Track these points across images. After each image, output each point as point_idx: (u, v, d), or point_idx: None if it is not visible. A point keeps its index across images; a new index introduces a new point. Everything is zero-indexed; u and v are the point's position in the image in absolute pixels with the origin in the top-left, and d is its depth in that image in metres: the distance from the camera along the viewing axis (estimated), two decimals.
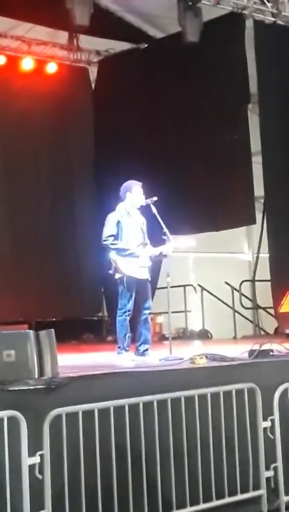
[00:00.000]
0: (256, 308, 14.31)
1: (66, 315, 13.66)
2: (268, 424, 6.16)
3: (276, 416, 6.16)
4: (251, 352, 7.14)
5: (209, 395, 5.92)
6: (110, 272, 7.98)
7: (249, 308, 14.31)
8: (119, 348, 7.87)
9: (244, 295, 14.05)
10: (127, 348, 7.88)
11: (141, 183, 8.08)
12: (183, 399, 5.78)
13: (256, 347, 7.15)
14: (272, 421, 6.16)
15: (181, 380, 6.26)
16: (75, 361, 8.04)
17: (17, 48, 13.57)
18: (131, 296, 7.82)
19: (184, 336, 13.71)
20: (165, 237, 7.78)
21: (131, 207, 8.05)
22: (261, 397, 6.14)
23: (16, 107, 13.24)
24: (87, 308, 14.30)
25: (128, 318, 7.85)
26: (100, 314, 14.51)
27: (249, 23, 12.09)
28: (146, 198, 8.01)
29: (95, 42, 14.00)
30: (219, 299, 14.26)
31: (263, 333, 13.80)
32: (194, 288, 14.47)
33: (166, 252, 7.85)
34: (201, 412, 5.87)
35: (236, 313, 13.94)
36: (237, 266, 16.26)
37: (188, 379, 6.31)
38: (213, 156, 12.50)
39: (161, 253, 7.88)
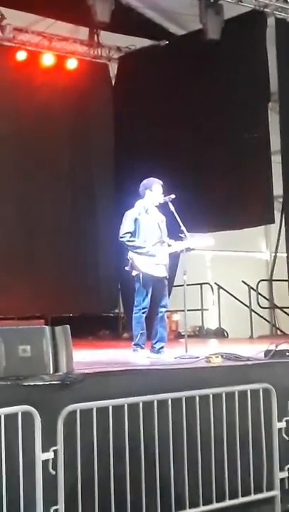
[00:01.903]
0: (273, 307, 14.24)
1: (83, 311, 13.67)
2: (282, 425, 6.15)
3: None
4: (267, 352, 7.11)
5: (224, 394, 5.90)
6: (127, 268, 7.97)
7: (266, 308, 14.24)
8: (135, 345, 7.85)
9: (261, 294, 13.98)
10: (143, 346, 7.86)
11: (161, 182, 8.05)
12: (197, 398, 5.76)
13: (272, 347, 7.11)
14: (288, 422, 6.13)
15: (196, 378, 6.25)
16: (90, 357, 8.05)
17: (38, 43, 13.57)
18: (147, 293, 7.80)
19: (200, 334, 13.67)
20: (182, 235, 7.75)
21: (150, 204, 8.02)
22: (276, 398, 6.10)
23: (36, 102, 13.25)
24: (103, 304, 14.31)
25: (144, 315, 7.83)
26: (117, 311, 14.51)
27: (271, 21, 12.01)
28: (164, 196, 7.97)
29: (116, 38, 13.99)
30: (236, 298, 14.21)
31: (279, 333, 13.74)
32: (211, 286, 14.43)
33: (191, 246, 7.80)
34: (216, 412, 5.85)
35: (253, 313, 13.87)
36: (254, 265, 16.20)
37: (204, 378, 6.29)
38: (232, 155, 12.43)
39: (187, 248, 7.82)
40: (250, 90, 12.11)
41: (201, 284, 13.92)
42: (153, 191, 8.00)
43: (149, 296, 7.81)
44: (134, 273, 7.89)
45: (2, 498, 4.75)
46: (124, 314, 13.86)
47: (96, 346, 10.95)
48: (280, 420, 6.13)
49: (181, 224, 7.78)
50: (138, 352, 7.78)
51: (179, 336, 12.24)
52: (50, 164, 13.71)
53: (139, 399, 5.45)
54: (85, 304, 13.68)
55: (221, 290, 14.41)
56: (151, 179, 8.10)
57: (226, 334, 13.87)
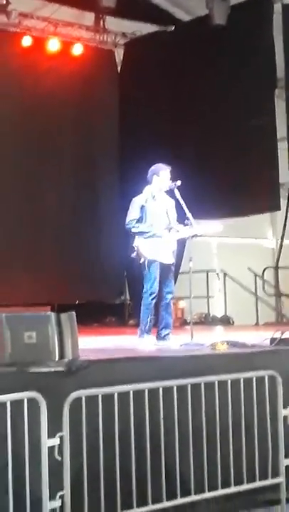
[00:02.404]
0: (279, 295, 14.23)
1: (89, 298, 13.69)
2: (288, 412, 6.13)
3: None
4: (272, 339, 7.09)
5: (229, 381, 5.89)
6: (133, 255, 7.96)
7: (272, 295, 14.23)
8: (141, 331, 7.85)
9: (267, 281, 13.97)
10: (149, 332, 7.86)
11: (169, 168, 8.02)
12: (203, 385, 5.75)
13: (278, 334, 7.10)
14: None
15: (201, 365, 6.24)
16: (96, 344, 8.06)
17: (43, 28, 13.54)
18: (155, 278, 7.80)
19: (205, 321, 13.68)
20: (188, 222, 7.73)
21: (157, 190, 8.00)
22: (282, 385, 6.09)
23: (41, 88, 13.23)
24: (109, 291, 14.33)
25: (153, 301, 7.84)
26: (123, 298, 14.53)
27: (277, 8, 11.94)
28: (171, 182, 7.95)
29: (122, 24, 13.96)
30: (242, 285, 14.20)
31: (285, 320, 13.73)
32: (217, 274, 14.42)
33: (198, 232, 7.78)
34: (221, 399, 5.84)
35: (259, 300, 13.87)
36: (260, 252, 16.16)
37: (209, 365, 6.28)
38: (238, 141, 12.40)
39: (195, 234, 7.80)
40: (257, 77, 12.08)
41: (207, 271, 13.91)
42: (160, 177, 7.99)
43: (157, 281, 7.82)
44: (141, 260, 7.89)
45: (8, 483, 4.76)
46: (131, 301, 13.88)
47: (102, 333, 10.98)
48: (285, 407, 6.10)
49: (186, 210, 7.76)
50: (144, 338, 7.80)
51: (184, 322, 12.26)
52: (54, 151, 13.69)
53: (144, 386, 5.45)
54: (91, 291, 13.71)
55: (227, 277, 14.41)
56: (159, 165, 8.09)
57: (231, 321, 13.88)
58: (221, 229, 8.15)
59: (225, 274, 14.38)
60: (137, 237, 7.87)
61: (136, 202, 7.93)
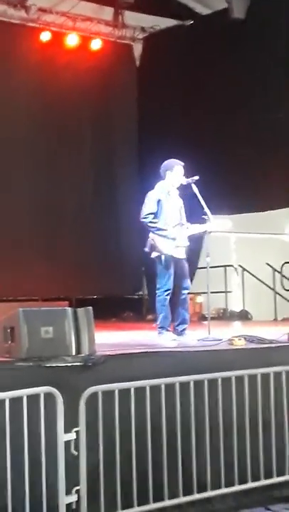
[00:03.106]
0: None
1: (107, 293, 13.70)
2: None
3: None
4: None
5: (246, 376, 5.88)
6: (146, 249, 7.93)
7: None
8: (160, 328, 7.82)
9: (285, 277, 13.89)
10: (168, 328, 7.83)
11: (183, 164, 7.98)
12: (220, 380, 5.74)
13: None
14: None
15: (218, 361, 6.22)
16: (113, 339, 8.07)
17: (62, 24, 13.54)
18: (170, 275, 7.76)
19: (223, 316, 13.64)
20: (205, 217, 7.70)
21: (170, 186, 7.96)
22: None
23: (60, 83, 13.25)
24: (127, 286, 14.33)
25: (168, 297, 7.79)
26: (141, 293, 14.52)
27: None
28: (187, 177, 7.91)
29: (140, 18, 13.93)
30: (260, 280, 14.14)
31: None
32: (235, 269, 14.37)
33: (208, 229, 7.76)
34: (238, 394, 5.83)
35: (277, 295, 13.80)
36: (279, 247, 16.06)
37: (226, 360, 6.27)
38: (256, 136, 12.33)
39: (206, 231, 7.78)
40: (276, 70, 11.98)
41: (225, 267, 13.87)
42: (174, 172, 7.93)
43: (172, 277, 7.77)
44: (153, 255, 7.84)
45: (25, 478, 4.78)
46: (148, 296, 13.86)
47: (120, 328, 10.97)
48: None
49: (204, 206, 7.72)
50: (163, 334, 7.76)
51: (202, 318, 12.21)
52: (73, 145, 13.70)
53: (161, 381, 5.45)
54: (109, 285, 13.71)
55: (245, 272, 14.35)
56: (172, 160, 8.03)
57: (250, 316, 13.81)
58: (229, 225, 8.12)
59: (243, 269, 14.31)
60: (152, 232, 7.83)
61: (152, 196, 7.88)
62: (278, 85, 12.05)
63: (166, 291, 7.77)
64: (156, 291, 7.87)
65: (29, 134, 13.00)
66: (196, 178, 7.84)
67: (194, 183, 7.85)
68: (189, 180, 7.86)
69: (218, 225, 8.37)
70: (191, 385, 5.59)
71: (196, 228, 7.80)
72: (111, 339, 7.90)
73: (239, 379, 5.86)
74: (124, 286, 14.20)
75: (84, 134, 14.00)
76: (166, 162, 8.05)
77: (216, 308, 13.52)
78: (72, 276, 13.03)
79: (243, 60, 12.41)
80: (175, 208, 7.91)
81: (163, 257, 7.75)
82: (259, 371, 5.97)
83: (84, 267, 13.32)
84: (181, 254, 7.84)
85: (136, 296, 14.56)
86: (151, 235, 7.85)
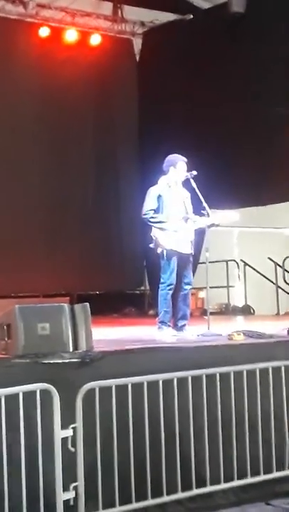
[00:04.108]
0: None
1: (108, 288, 13.70)
2: None
3: None
4: None
5: (245, 372, 5.85)
6: (151, 246, 7.92)
7: None
8: (160, 323, 7.82)
9: (287, 271, 13.86)
10: (169, 323, 7.82)
11: (186, 159, 7.95)
12: (218, 375, 5.72)
13: None
14: None
15: (217, 356, 6.19)
16: (113, 335, 8.06)
17: (61, 19, 13.50)
18: (173, 270, 7.74)
19: (226, 311, 13.63)
20: (204, 212, 7.67)
21: (173, 181, 7.94)
22: None
23: (60, 78, 13.19)
24: (129, 281, 14.31)
25: (170, 292, 7.78)
26: (142, 288, 14.51)
27: None
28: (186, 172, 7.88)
29: (140, 13, 13.88)
30: (262, 275, 14.11)
31: None
32: (237, 263, 14.35)
33: (215, 222, 7.72)
34: (237, 389, 5.81)
35: (280, 290, 13.78)
36: (281, 241, 16.05)
37: (225, 355, 6.23)
38: (259, 130, 12.28)
39: (212, 224, 7.74)
40: (278, 64, 11.91)
41: (226, 261, 13.86)
42: (177, 168, 7.91)
43: (175, 272, 7.75)
44: (158, 250, 7.85)
45: (22, 475, 4.77)
46: (150, 291, 13.85)
47: (121, 323, 10.97)
48: None
49: (202, 200, 7.70)
50: (163, 330, 7.75)
51: (204, 313, 12.17)
52: (74, 140, 13.68)
53: (158, 376, 5.42)
54: (111, 281, 13.70)
55: (247, 267, 14.33)
56: (176, 156, 8.01)
57: (252, 311, 13.80)
58: (237, 218, 8.10)
59: (245, 264, 14.29)
60: (153, 227, 7.81)
61: (152, 192, 7.87)
62: (281, 79, 11.99)
63: (168, 285, 7.76)
64: (159, 286, 7.86)
65: (29, 130, 12.97)
66: (195, 173, 7.81)
67: (193, 178, 7.83)
68: (188, 175, 7.84)
69: (226, 217, 8.33)
70: (189, 380, 5.57)
71: (204, 221, 7.76)
72: (110, 335, 7.89)
73: (238, 374, 5.83)
74: (126, 281, 14.19)
75: (84, 129, 13.97)
76: (169, 157, 8.02)
77: (219, 303, 13.51)
78: (73, 272, 13.01)
79: (243, 54, 12.36)
80: (178, 202, 7.89)
81: (165, 252, 7.73)
82: (258, 366, 5.94)
83: (85, 263, 13.31)
84: (185, 248, 7.81)
85: (137, 292, 14.55)
86: (153, 230, 7.84)
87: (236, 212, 9.44)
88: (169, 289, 7.76)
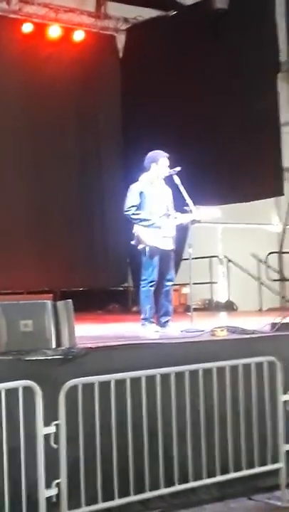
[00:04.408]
0: (283, 280, 14.18)
1: (92, 285, 13.69)
2: (287, 397, 6.11)
3: None
4: (273, 325, 7.06)
5: (228, 367, 5.87)
6: (133, 242, 7.92)
7: (276, 280, 14.18)
8: (143, 319, 7.81)
9: (270, 267, 13.92)
10: (152, 320, 7.82)
11: (167, 155, 7.94)
12: (201, 371, 5.73)
13: (278, 320, 7.06)
14: None
15: (200, 352, 6.22)
16: (97, 331, 8.05)
17: (44, 15, 13.46)
18: (154, 266, 7.74)
19: (209, 307, 13.66)
20: (187, 208, 7.68)
21: (155, 178, 7.93)
22: (281, 371, 6.06)
23: (43, 75, 13.18)
24: (113, 278, 14.32)
25: (152, 289, 7.77)
26: (126, 285, 14.51)
27: None
28: (170, 169, 7.88)
29: (123, 9, 13.87)
30: (245, 271, 14.16)
31: None
32: (220, 259, 14.38)
33: (197, 218, 7.72)
34: (220, 385, 5.83)
35: (263, 285, 13.83)
36: (266, 237, 16.10)
37: (208, 351, 6.26)
38: (241, 126, 12.31)
39: (193, 220, 7.75)
40: (260, 60, 11.96)
41: (210, 257, 13.88)
42: (159, 164, 7.89)
43: (157, 269, 7.75)
44: (140, 247, 7.84)
45: (3, 472, 4.77)
46: (134, 288, 13.85)
47: (105, 320, 10.96)
48: (284, 393, 6.09)
49: (186, 196, 7.70)
50: (147, 326, 7.75)
51: (188, 309, 12.20)
52: (57, 137, 13.64)
53: (141, 373, 5.43)
54: (94, 278, 13.71)
55: (230, 263, 14.36)
56: (157, 152, 7.99)
57: (235, 307, 13.84)
58: (219, 215, 8.10)
59: (228, 260, 14.33)
60: (135, 224, 7.81)
61: (134, 188, 7.86)
62: (263, 75, 12.03)
63: (150, 282, 7.75)
64: (141, 283, 7.86)
65: (11, 127, 12.92)
66: (178, 169, 7.80)
67: (176, 174, 7.82)
68: (171, 171, 7.83)
69: (208, 213, 8.32)
70: (172, 376, 5.58)
71: (185, 217, 7.77)
72: (94, 331, 7.89)
73: (221, 370, 5.85)
74: (110, 278, 14.19)
75: (67, 125, 13.93)
76: (150, 154, 8.00)
77: (202, 299, 13.54)
78: (57, 269, 13.00)
79: (226, 51, 12.38)
80: (160, 199, 7.87)
81: (147, 248, 7.73)
82: (240, 362, 5.97)
83: (69, 260, 13.30)
84: (167, 245, 7.81)
85: (121, 288, 14.56)
86: (135, 227, 7.83)
87: (218, 209, 9.46)
88: (151, 286, 7.76)
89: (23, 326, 5.42)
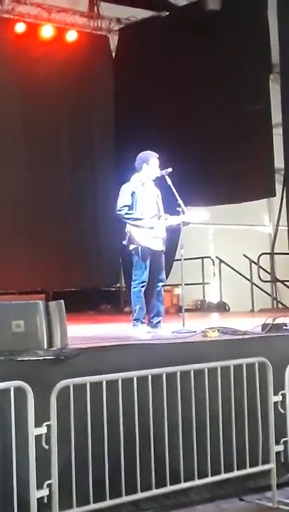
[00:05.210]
0: (274, 281, 14.21)
1: (84, 285, 13.69)
2: (278, 398, 6.11)
3: (287, 390, 6.11)
4: (264, 326, 7.07)
5: (219, 368, 5.88)
6: (124, 242, 7.91)
7: (268, 281, 14.21)
8: (134, 320, 7.81)
9: (262, 268, 13.94)
10: (143, 320, 7.81)
11: (158, 155, 7.95)
12: (192, 372, 5.74)
13: (269, 321, 7.07)
14: (283, 395, 6.10)
15: (192, 353, 6.22)
16: (88, 332, 8.05)
17: (37, 15, 13.46)
18: (146, 267, 7.74)
19: (201, 308, 13.67)
20: (179, 209, 7.68)
21: (146, 178, 7.93)
22: (272, 372, 6.08)
23: (36, 75, 13.18)
24: (105, 278, 14.32)
25: (143, 289, 7.77)
26: (118, 285, 14.53)
27: None
28: (161, 169, 7.89)
29: (116, 9, 13.91)
30: (237, 272, 14.18)
31: (281, 306, 13.71)
32: (212, 260, 14.40)
33: (186, 220, 7.73)
34: (211, 386, 5.83)
35: (255, 286, 13.85)
36: (257, 238, 16.15)
37: (200, 352, 6.26)
38: (233, 127, 12.34)
39: (183, 222, 7.75)
40: (252, 61, 11.99)
41: (202, 258, 13.90)
42: (150, 165, 7.90)
43: (148, 269, 7.76)
44: (131, 247, 7.83)
45: None
46: (126, 288, 13.87)
47: (97, 321, 10.96)
48: (275, 394, 6.09)
49: (178, 198, 7.70)
50: (138, 327, 7.75)
51: (180, 309, 12.22)
52: (50, 137, 13.65)
53: (133, 374, 5.43)
54: (87, 278, 13.71)
55: (223, 264, 14.38)
56: (148, 152, 8.00)
57: (227, 308, 13.86)
58: (207, 217, 8.10)
59: (220, 261, 14.35)
60: (128, 223, 7.81)
61: (126, 189, 7.86)
62: (255, 77, 12.06)
63: (141, 283, 7.75)
64: (132, 283, 7.85)
65: (4, 126, 12.90)
66: (170, 170, 7.81)
67: (168, 175, 7.83)
68: (163, 172, 7.84)
69: (197, 216, 8.34)
70: (164, 377, 5.59)
71: (175, 219, 7.77)
72: (86, 332, 7.88)
73: (212, 371, 5.85)
74: (102, 278, 14.19)
75: (61, 126, 13.94)
76: (141, 154, 8.00)
77: (194, 299, 13.55)
78: (49, 269, 12.99)
79: (219, 52, 12.40)
80: (151, 200, 7.88)
81: (140, 249, 7.73)
82: (232, 362, 5.98)
83: (61, 260, 13.29)
84: (158, 245, 7.82)
85: (113, 289, 14.57)
86: (127, 227, 7.83)
87: (206, 211, 9.47)
88: (142, 286, 7.76)
89: (15, 327, 5.40)
